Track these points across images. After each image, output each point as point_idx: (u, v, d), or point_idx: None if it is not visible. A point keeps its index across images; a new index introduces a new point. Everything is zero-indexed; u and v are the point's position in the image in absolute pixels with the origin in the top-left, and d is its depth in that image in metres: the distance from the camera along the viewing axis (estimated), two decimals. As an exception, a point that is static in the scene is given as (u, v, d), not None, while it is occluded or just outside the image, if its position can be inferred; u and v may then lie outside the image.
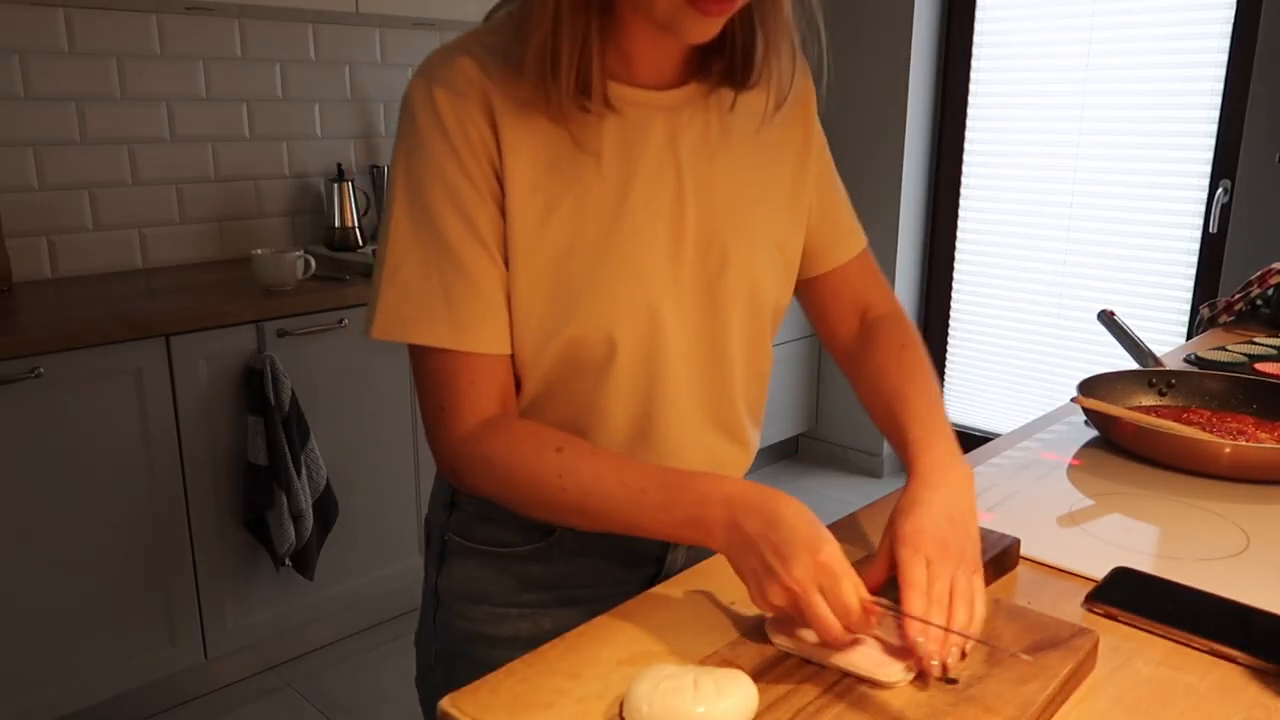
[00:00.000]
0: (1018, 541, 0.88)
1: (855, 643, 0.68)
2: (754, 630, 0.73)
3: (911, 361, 0.92)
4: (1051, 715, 0.65)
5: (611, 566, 0.92)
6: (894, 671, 0.66)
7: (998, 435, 1.30)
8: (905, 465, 0.81)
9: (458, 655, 0.94)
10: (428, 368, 0.81)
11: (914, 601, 0.68)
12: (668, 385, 0.85)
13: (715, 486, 0.72)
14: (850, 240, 1.02)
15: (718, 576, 0.82)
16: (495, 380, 0.81)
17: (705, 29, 0.74)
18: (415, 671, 1.02)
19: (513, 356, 0.82)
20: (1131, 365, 1.50)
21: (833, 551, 0.66)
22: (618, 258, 0.80)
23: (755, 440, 0.97)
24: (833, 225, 0.99)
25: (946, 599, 0.69)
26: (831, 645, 0.67)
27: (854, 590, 0.66)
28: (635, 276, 0.81)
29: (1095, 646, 0.70)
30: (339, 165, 2.65)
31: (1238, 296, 1.91)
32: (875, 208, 3.35)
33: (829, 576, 0.66)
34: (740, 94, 0.86)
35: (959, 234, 3.39)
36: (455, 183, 0.77)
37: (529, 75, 0.75)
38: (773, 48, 0.83)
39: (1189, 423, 1.24)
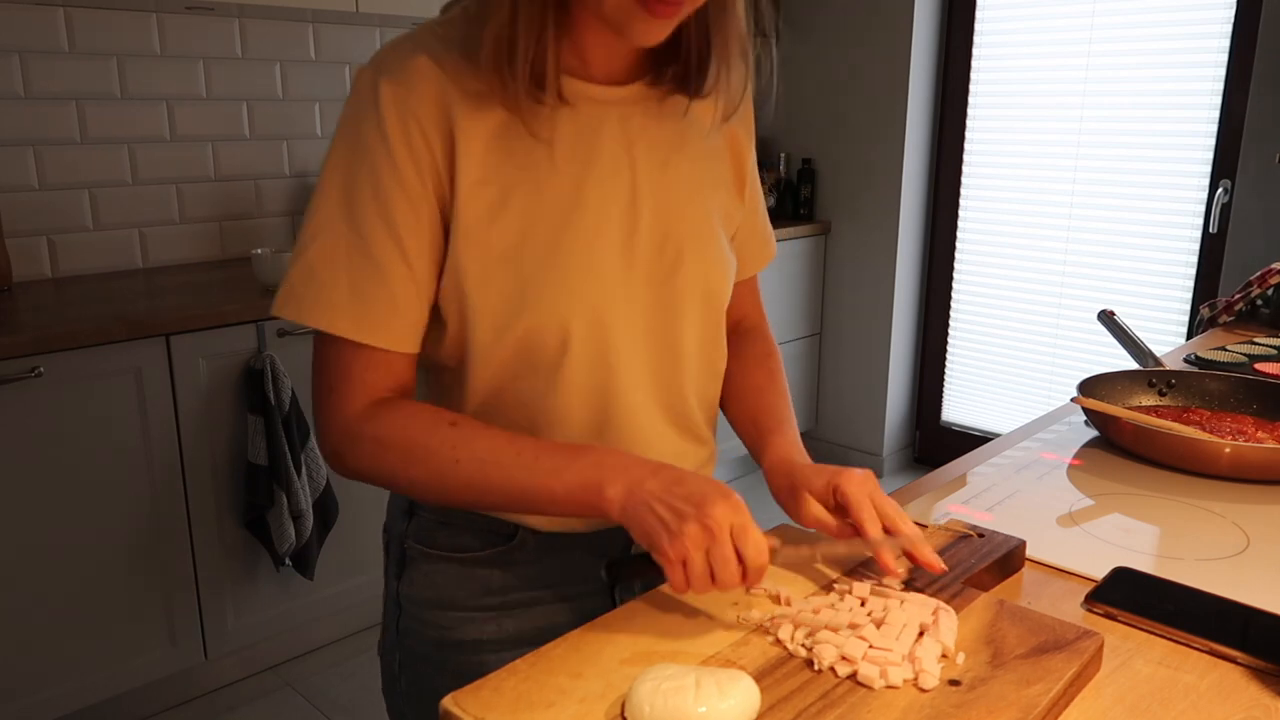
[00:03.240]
0: (1023, 544, 0.88)
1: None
2: (757, 631, 0.73)
3: (774, 369, 1.01)
4: (1055, 717, 0.65)
5: (572, 566, 0.91)
6: (896, 673, 0.66)
7: (998, 435, 1.31)
8: (759, 442, 0.93)
9: (421, 659, 0.93)
10: (323, 352, 0.80)
11: (871, 524, 0.78)
12: (621, 383, 0.85)
13: (612, 453, 0.75)
14: (763, 254, 1.06)
15: (719, 577, 0.82)
16: (392, 373, 0.80)
17: (653, 31, 0.75)
18: (380, 682, 0.99)
19: (466, 358, 0.82)
20: (1131, 365, 1.50)
21: (740, 500, 0.71)
22: (569, 250, 0.80)
23: (713, 438, 0.99)
24: (754, 239, 1.03)
25: (893, 512, 0.79)
26: (724, 587, 0.70)
27: (762, 536, 0.71)
28: (587, 270, 0.81)
29: (1100, 649, 0.70)
30: (339, 165, 2.65)
31: (1238, 296, 1.91)
32: (875, 208, 3.35)
33: (742, 517, 0.70)
34: (693, 101, 0.87)
35: (959, 234, 3.40)
36: (384, 183, 0.76)
37: (485, 66, 0.75)
38: (724, 59, 0.84)
39: (1189, 423, 1.24)
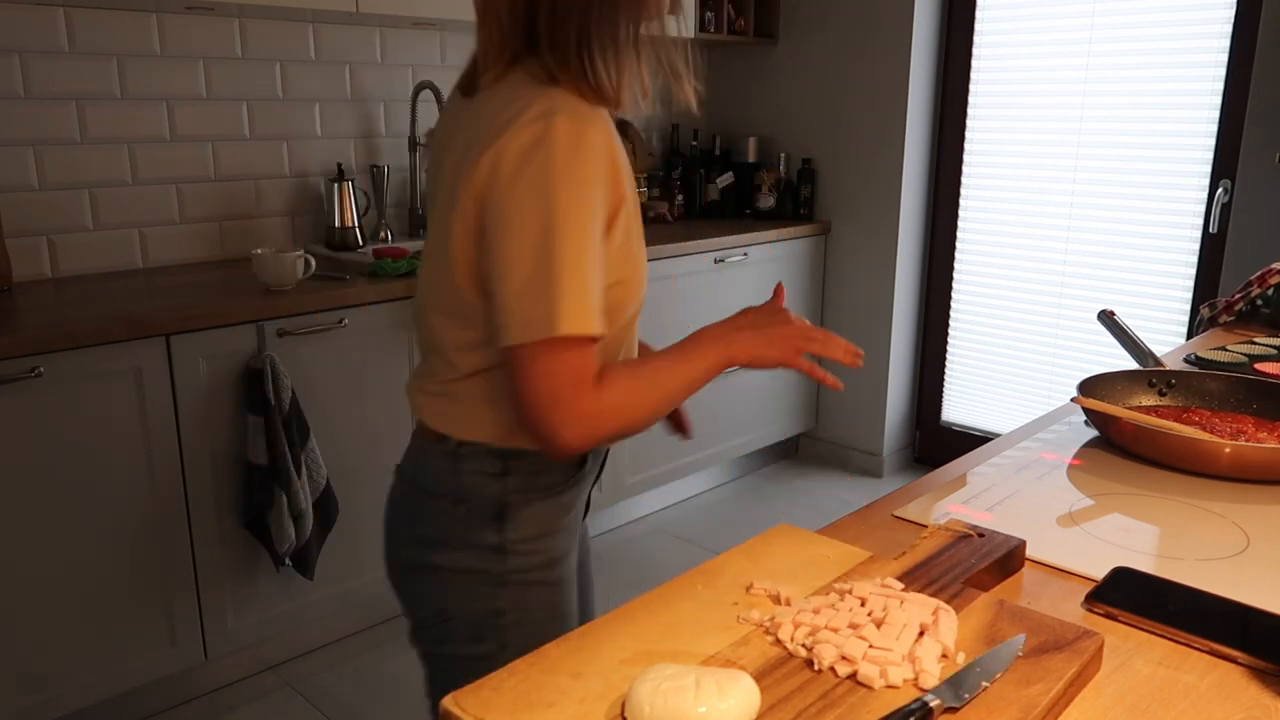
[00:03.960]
0: (1023, 544, 0.88)
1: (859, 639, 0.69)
2: (757, 631, 0.73)
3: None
4: (1055, 717, 0.65)
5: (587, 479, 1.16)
6: (896, 673, 0.66)
7: (998, 435, 1.30)
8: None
9: (530, 585, 1.08)
10: (562, 357, 0.91)
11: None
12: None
13: (708, 333, 1.04)
14: None
15: (722, 576, 0.82)
16: (597, 354, 1.01)
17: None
18: (450, 651, 1.10)
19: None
20: (1131, 365, 1.50)
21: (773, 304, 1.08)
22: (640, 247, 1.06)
23: None
24: None
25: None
26: (832, 349, 1.03)
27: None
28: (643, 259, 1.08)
29: (1100, 649, 0.70)
30: (339, 165, 2.65)
31: (1238, 296, 1.91)
32: (875, 208, 3.35)
33: (784, 311, 1.06)
34: None
35: (959, 234, 3.40)
36: (598, 213, 0.94)
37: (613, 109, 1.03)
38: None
39: (1189, 423, 1.24)
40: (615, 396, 0.95)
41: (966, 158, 3.33)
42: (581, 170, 0.92)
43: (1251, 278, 1.94)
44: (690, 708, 0.60)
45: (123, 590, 1.96)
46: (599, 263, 0.94)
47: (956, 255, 3.42)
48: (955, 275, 3.43)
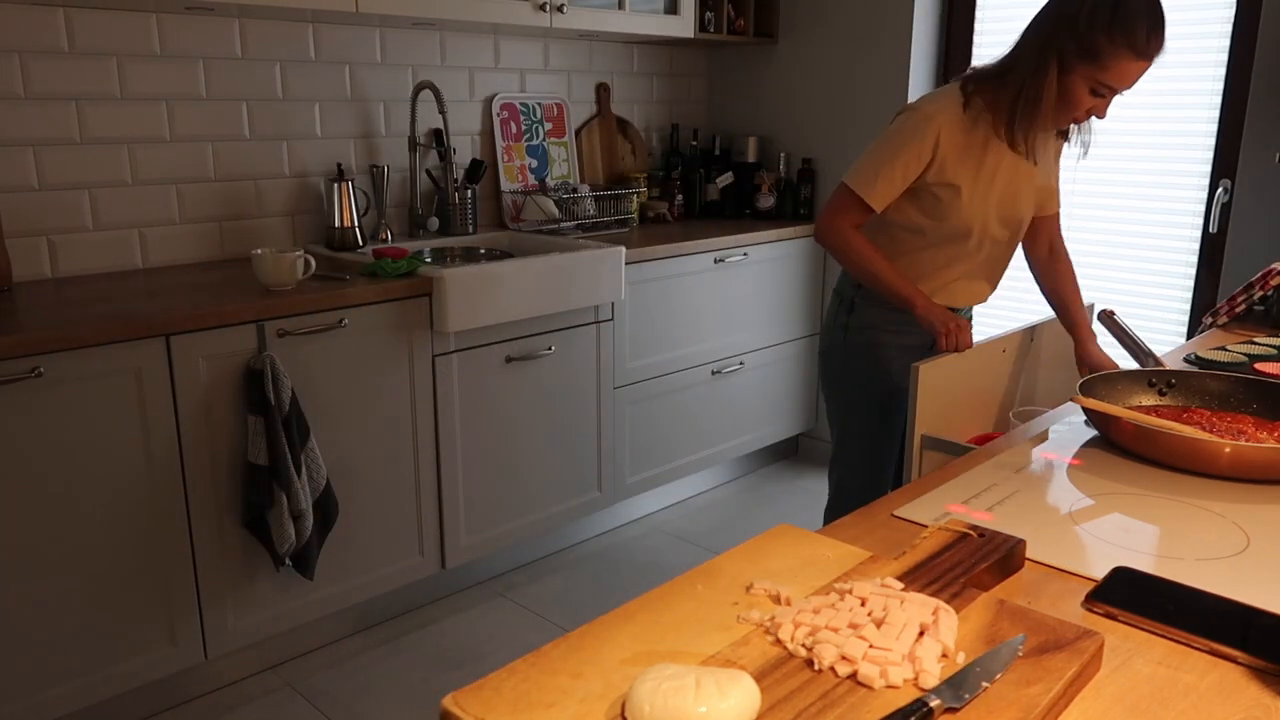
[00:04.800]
0: (1023, 543, 0.88)
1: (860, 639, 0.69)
2: (757, 631, 0.73)
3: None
4: (1055, 717, 0.65)
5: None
6: (896, 673, 0.66)
7: (997, 435, 1.30)
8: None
9: (857, 354, 1.97)
10: (847, 195, 1.82)
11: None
12: (978, 258, 1.99)
13: (922, 295, 1.82)
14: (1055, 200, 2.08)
15: (722, 576, 0.82)
16: (864, 213, 1.83)
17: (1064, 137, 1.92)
18: (824, 390, 2.09)
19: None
20: (1131, 365, 1.50)
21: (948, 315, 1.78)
22: (985, 199, 1.85)
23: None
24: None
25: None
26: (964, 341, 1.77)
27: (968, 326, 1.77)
28: (987, 210, 1.88)
29: (1100, 649, 0.70)
30: (339, 165, 2.65)
31: (1240, 298, 1.91)
32: (875, 208, 3.35)
33: (961, 324, 1.77)
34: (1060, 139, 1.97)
35: (959, 234, 3.39)
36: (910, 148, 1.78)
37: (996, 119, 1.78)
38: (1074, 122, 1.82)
39: (1189, 423, 1.24)
40: (855, 243, 1.82)
41: (966, 158, 3.32)
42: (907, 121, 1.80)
43: (1253, 279, 1.95)
44: (690, 708, 0.60)
45: (123, 590, 1.96)
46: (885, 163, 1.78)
47: (956, 255, 3.41)
48: (955, 275, 3.43)
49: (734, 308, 3.17)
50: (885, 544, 0.93)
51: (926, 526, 0.93)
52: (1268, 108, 2.56)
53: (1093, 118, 1.77)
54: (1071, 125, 1.82)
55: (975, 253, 1.89)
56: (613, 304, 2.75)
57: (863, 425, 2.01)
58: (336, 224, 2.62)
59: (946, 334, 1.74)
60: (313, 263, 2.21)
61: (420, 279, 2.30)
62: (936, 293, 1.90)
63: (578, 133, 3.32)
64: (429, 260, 2.78)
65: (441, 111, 2.73)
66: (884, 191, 1.79)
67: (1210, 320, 1.96)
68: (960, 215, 1.81)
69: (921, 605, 0.72)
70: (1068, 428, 1.30)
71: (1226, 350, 1.65)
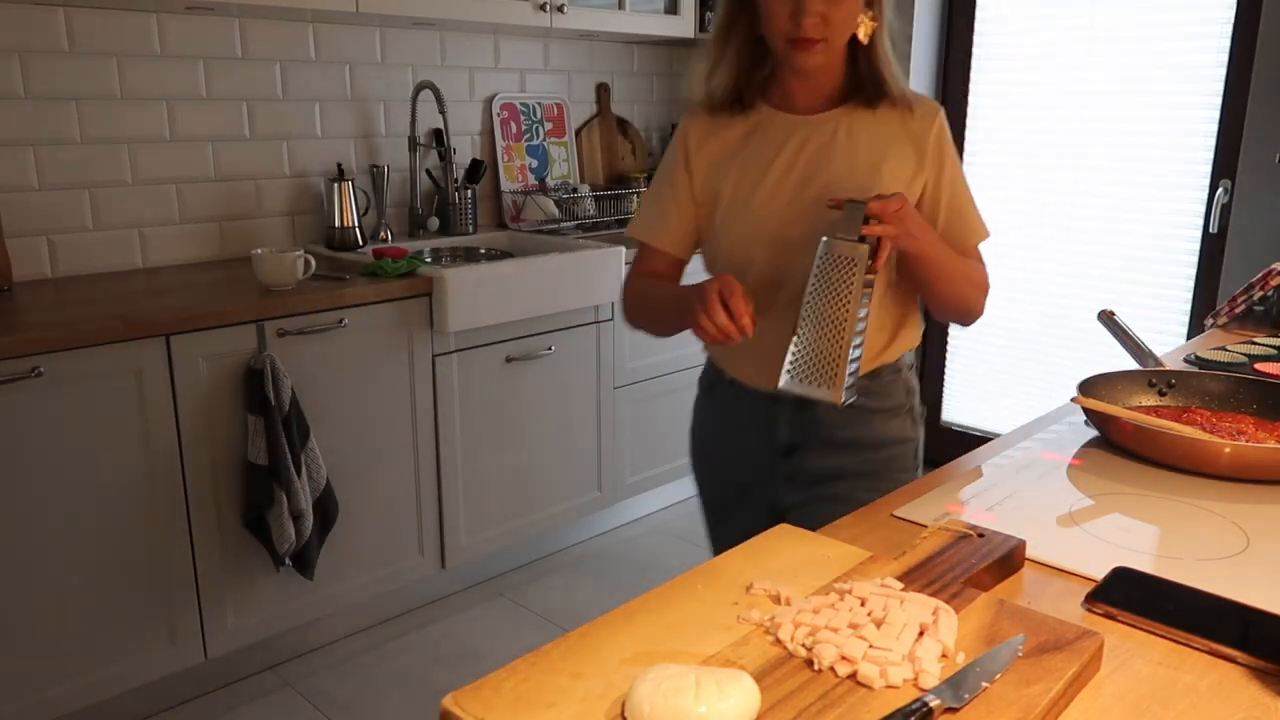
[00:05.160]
0: (1023, 544, 0.88)
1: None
2: (757, 631, 0.73)
3: None
4: (1055, 717, 0.65)
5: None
6: (896, 673, 0.66)
7: (998, 435, 1.31)
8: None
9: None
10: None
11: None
12: (775, 284, 1.39)
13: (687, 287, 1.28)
14: (965, 227, 1.41)
15: (722, 576, 0.82)
16: (653, 264, 1.44)
17: (805, 60, 1.23)
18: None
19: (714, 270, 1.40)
20: (1131, 365, 1.50)
21: (728, 279, 1.19)
22: (752, 206, 1.33)
23: None
24: (954, 217, 1.39)
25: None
26: (722, 331, 1.17)
27: (740, 290, 1.17)
28: (763, 218, 1.34)
29: (1100, 649, 0.70)
30: (339, 165, 2.65)
31: (1240, 300, 1.91)
32: (875, 208, 3.34)
33: (726, 284, 1.17)
34: (877, 109, 1.30)
35: (959, 234, 3.39)
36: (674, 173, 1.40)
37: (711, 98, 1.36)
38: (888, 80, 1.28)
39: (1189, 423, 1.24)
40: (631, 291, 1.44)
41: (966, 157, 3.32)
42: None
43: (1253, 280, 1.94)
44: (690, 708, 0.60)
45: (123, 590, 1.96)
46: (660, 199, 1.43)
47: (956, 255, 3.41)
48: (955, 275, 3.43)
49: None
50: (885, 544, 0.93)
51: (926, 526, 0.93)
52: (1268, 108, 2.56)
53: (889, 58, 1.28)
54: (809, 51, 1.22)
55: (771, 295, 1.32)
56: (613, 304, 2.75)
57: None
58: (336, 224, 2.62)
59: (698, 317, 1.17)
60: (313, 263, 2.20)
61: (420, 279, 2.30)
62: (774, 376, 1.22)
63: (578, 133, 3.32)
64: (429, 260, 2.78)
65: (442, 111, 2.73)
66: (648, 224, 1.41)
67: (1211, 322, 1.96)
68: (724, 235, 1.34)
69: (921, 605, 0.72)
70: (1068, 428, 1.30)
71: (1226, 350, 1.65)
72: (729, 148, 1.34)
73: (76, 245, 2.33)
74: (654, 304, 1.38)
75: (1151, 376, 1.37)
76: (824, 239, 1.16)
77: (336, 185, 2.60)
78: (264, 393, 2.03)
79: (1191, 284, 2.86)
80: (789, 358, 1.20)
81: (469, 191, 2.90)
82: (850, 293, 1.16)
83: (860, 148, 1.29)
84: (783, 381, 1.20)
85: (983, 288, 1.39)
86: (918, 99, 1.31)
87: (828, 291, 1.17)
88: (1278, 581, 0.85)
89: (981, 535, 0.88)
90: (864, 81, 1.29)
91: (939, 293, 1.33)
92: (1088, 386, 1.31)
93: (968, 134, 3.30)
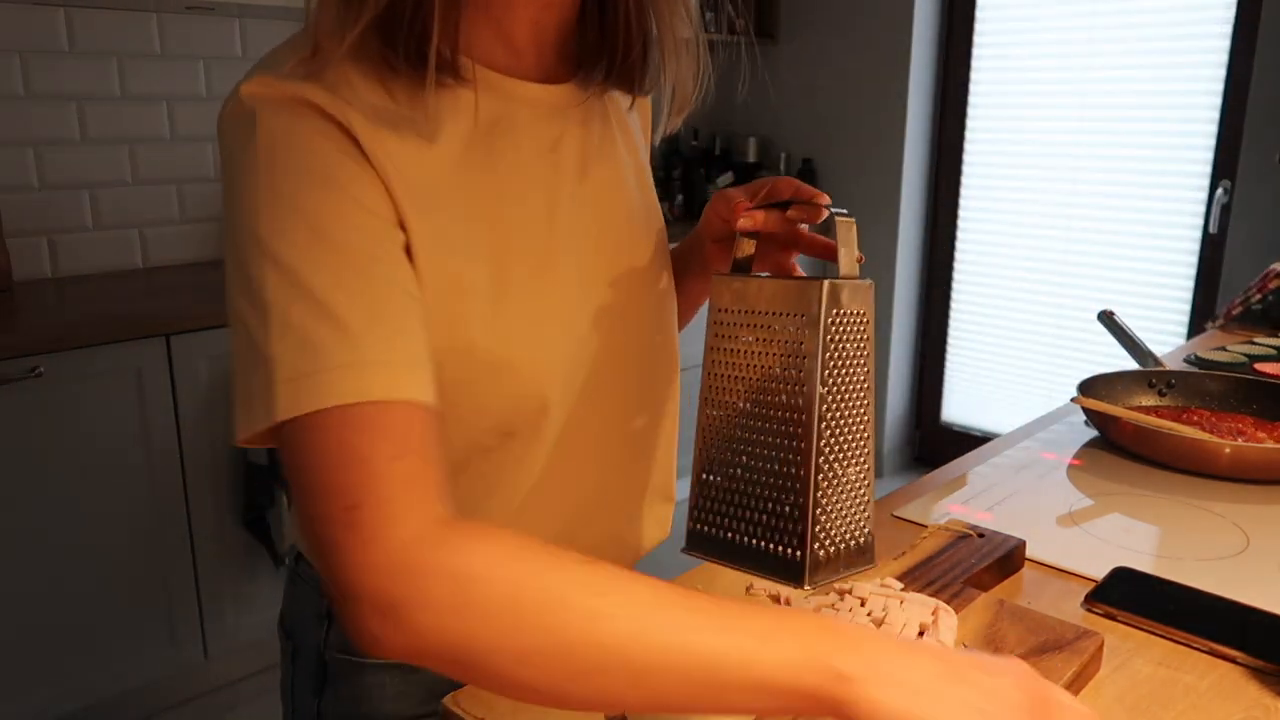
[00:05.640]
0: (1023, 544, 0.88)
1: None
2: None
3: None
4: (1053, 716, 0.65)
5: None
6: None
7: (998, 435, 1.31)
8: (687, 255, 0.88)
9: None
10: (322, 444, 0.54)
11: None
12: (591, 450, 0.76)
13: (832, 620, 0.51)
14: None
15: (721, 577, 0.82)
16: (412, 438, 0.55)
17: None
18: None
19: None
20: (1131, 365, 1.50)
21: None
22: (549, 304, 0.70)
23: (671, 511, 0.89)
24: None
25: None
26: None
27: None
28: (567, 324, 0.72)
29: (1100, 649, 0.70)
30: (339, 165, 2.65)
31: (1238, 302, 1.91)
32: (875, 208, 3.35)
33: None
34: (637, 99, 0.78)
35: (959, 234, 3.39)
36: (326, 217, 0.60)
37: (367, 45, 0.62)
38: (669, 48, 0.73)
39: (1189, 423, 1.24)
40: (473, 568, 0.50)
41: (966, 158, 3.33)
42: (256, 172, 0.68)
43: (1251, 283, 1.94)
44: None
45: (122, 590, 1.96)
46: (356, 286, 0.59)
47: (956, 255, 3.42)
48: (955, 275, 3.43)
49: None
50: (885, 544, 0.93)
51: (926, 526, 0.93)
52: (1268, 108, 2.56)
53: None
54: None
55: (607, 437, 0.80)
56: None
57: None
58: (336, 224, 2.62)
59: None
60: (313, 263, 2.20)
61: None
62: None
63: (578, 133, 3.31)
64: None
65: (441, 111, 2.73)
66: (376, 352, 0.63)
67: (1211, 326, 1.96)
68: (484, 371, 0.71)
69: (921, 605, 0.72)
70: (1068, 428, 1.30)
71: (1226, 350, 1.65)
72: (438, 160, 0.65)
73: (76, 245, 2.32)
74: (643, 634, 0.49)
75: (1151, 376, 1.37)
76: (825, 283, 0.66)
77: (336, 185, 2.60)
78: (264, 393, 2.03)
79: (1191, 284, 2.86)
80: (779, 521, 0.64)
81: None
82: (867, 371, 0.66)
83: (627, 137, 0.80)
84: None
85: None
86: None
87: (835, 370, 0.64)
88: (1278, 581, 0.85)
89: (981, 535, 0.88)
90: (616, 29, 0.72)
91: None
92: (1087, 387, 1.31)
93: (967, 134, 3.30)
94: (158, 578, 2.01)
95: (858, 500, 0.64)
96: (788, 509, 0.62)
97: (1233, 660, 0.72)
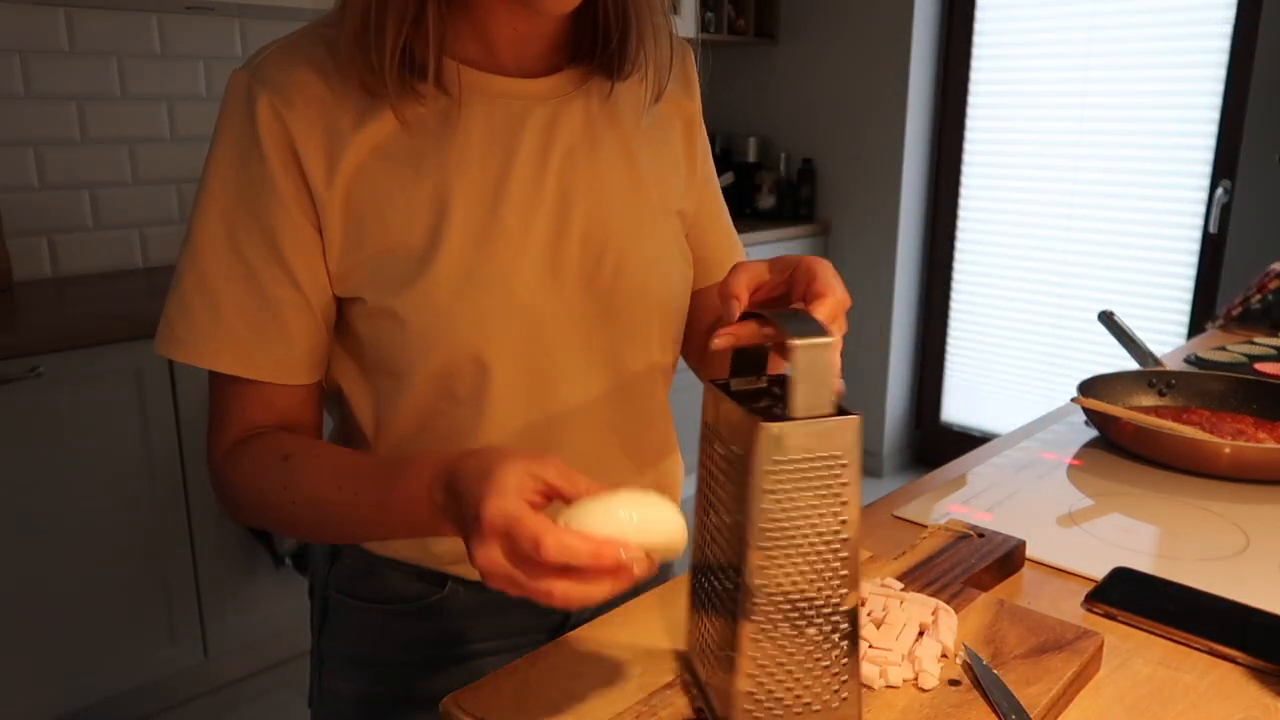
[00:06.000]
0: (1023, 544, 0.88)
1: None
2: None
3: None
4: (1055, 717, 0.65)
5: (512, 618, 0.84)
6: (896, 673, 0.66)
7: (998, 435, 1.31)
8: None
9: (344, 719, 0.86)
10: (211, 386, 0.76)
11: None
12: (564, 411, 0.78)
13: (420, 470, 0.61)
14: (737, 251, 0.95)
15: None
16: (274, 408, 0.74)
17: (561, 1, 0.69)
18: None
19: (380, 385, 0.76)
20: (1131, 365, 1.50)
21: (498, 505, 0.54)
22: (486, 270, 0.72)
23: (679, 466, 0.92)
24: (724, 234, 0.93)
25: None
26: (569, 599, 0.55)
27: (543, 532, 0.52)
28: (505, 289, 0.73)
29: (1100, 649, 0.70)
30: (339, 165, 2.65)
31: (1238, 303, 1.91)
32: (875, 208, 3.35)
33: (507, 536, 0.53)
34: (618, 84, 0.80)
35: (959, 234, 3.40)
36: (264, 202, 0.71)
37: (346, 52, 0.71)
38: (646, 33, 0.77)
39: (1189, 423, 1.24)
40: (237, 477, 0.73)
41: (966, 158, 3.33)
42: (226, 146, 0.79)
43: (1251, 283, 1.95)
44: (614, 511, 0.55)
45: (123, 590, 1.96)
46: (246, 273, 0.73)
47: (956, 255, 3.42)
48: (955, 275, 3.43)
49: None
50: (885, 544, 0.93)
51: (926, 526, 0.93)
52: (1268, 108, 2.56)
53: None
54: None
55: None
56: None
57: None
58: (336, 224, 2.62)
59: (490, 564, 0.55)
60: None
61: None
62: None
63: (578, 133, 3.31)
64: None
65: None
66: (232, 335, 0.80)
67: (1212, 326, 1.96)
68: (428, 336, 0.79)
69: (921, 605, 0.72)
70: (1068, 428, 1.30)
71: (1226, 350, 1.65)
72: (390, 145, 0.72)
73: (76, 245, 2.33)
74: (317, 499, 0.68)
75: (1151, 377, 1.37)
76: (764, 428, 0.53)
77: (336, 185, 2.60)
78: (264, 393, 2.03)
79: (1191, 284, 2.87)
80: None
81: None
82: (842, 521, 0.60)
83: (630, 142, 0.81)
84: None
85: None
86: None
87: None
88: (1278, 581, 0.85)
89: (981, 535, 0.88)
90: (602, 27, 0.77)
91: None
92: (1088, 387, 1.31)
93: (967, 134, 3.30)
94: (158, 578, 2.01)
95: (822, 662, 0.56)
96: (727, 657, 0.57)
97: (1233, 660, 0.72)
